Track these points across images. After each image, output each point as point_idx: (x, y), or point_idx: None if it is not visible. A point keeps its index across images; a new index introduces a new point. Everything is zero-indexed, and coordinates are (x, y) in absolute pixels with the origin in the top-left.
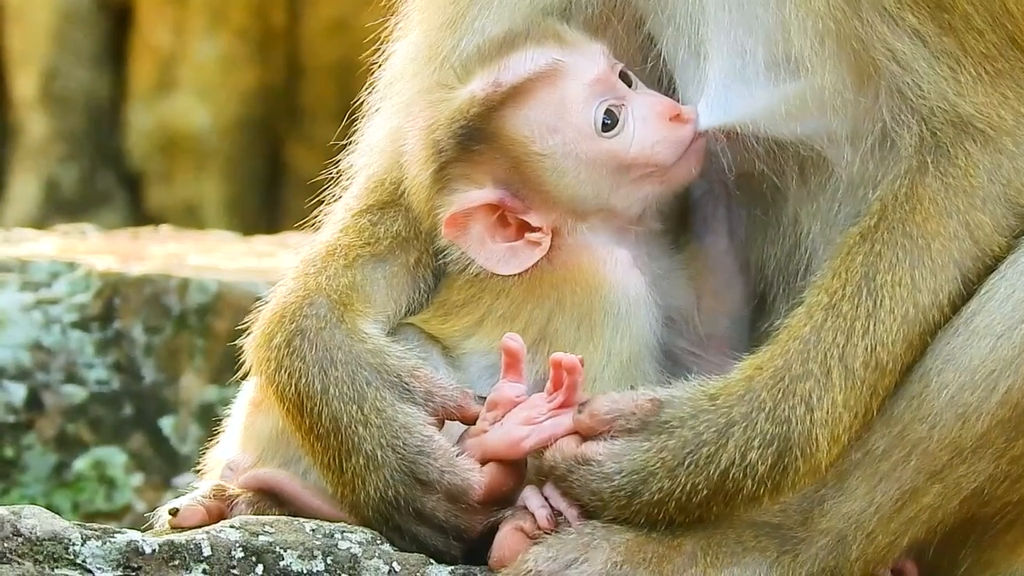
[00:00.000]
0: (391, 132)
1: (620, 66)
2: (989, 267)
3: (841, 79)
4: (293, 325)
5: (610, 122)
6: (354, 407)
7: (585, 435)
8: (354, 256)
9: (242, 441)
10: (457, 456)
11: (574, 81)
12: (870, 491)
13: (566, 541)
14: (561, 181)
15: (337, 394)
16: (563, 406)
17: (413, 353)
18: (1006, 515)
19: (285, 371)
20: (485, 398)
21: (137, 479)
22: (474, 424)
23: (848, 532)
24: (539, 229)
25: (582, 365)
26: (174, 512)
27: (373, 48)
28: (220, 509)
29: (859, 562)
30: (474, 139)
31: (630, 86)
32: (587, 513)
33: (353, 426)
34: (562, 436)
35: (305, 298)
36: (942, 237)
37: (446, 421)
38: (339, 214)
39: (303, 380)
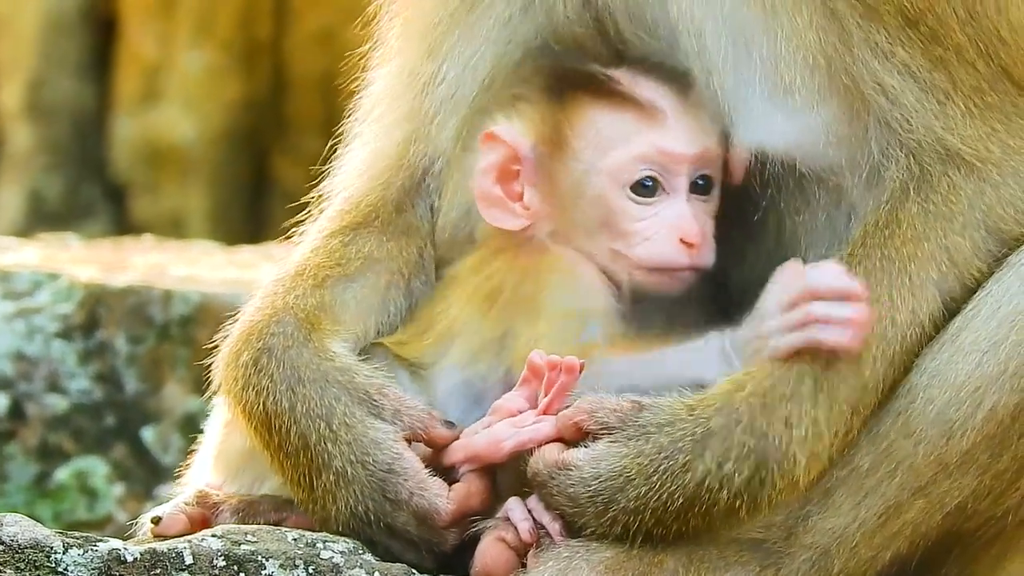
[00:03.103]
0: (370, 155)
1: (703, 172)
2: (971, 288)
3: (832, 113)
4: (260, 343)
5: (642, 189)
6: (323, 424)
7: (568, 438)
8: (323, 276)
9: (213, 461)
10: (427, 476)
11: (654, 136)
12: (855, 507)
13: (546, 565)
14: (564, 185)
15: (305, 411)
16: (548, 410)
17: (382, 372)
18: (989, 529)
19: (252, 389)
20: (452, 423)
21: (119, 489)
22: (439, 448)
23: (831, 547)
24: (526, 210)
25: (581, 371)
26: (156, 520)
27: (358, 62)
28: (203, 516)
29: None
30: (557, 94)
31: (701, 193)
32: (569, 526)
33: (322, 443)
34: (543, 441)
35: (272, 317)
36: (919, 259)
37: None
38: (311, 235)
39: (271, 398)
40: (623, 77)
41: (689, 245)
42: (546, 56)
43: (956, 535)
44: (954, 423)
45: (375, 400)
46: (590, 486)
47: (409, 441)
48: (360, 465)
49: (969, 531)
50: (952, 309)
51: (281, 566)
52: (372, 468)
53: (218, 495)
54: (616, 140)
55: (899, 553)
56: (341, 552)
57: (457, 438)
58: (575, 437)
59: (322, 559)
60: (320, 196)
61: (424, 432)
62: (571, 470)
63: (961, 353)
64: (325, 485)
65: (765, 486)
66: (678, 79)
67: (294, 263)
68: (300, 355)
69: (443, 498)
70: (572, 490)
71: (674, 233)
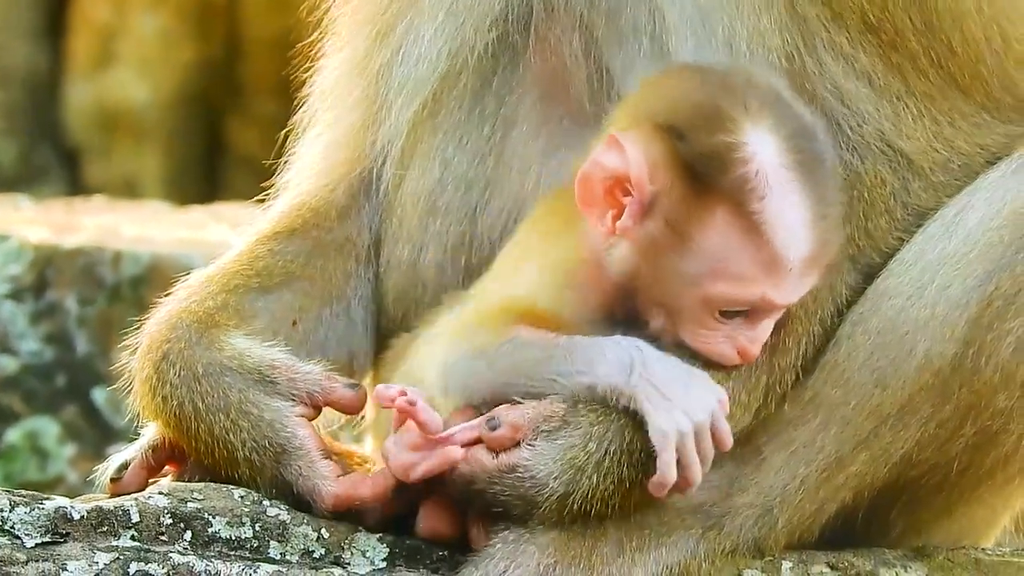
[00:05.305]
0: (323, 147)
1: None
2: (889, 255)
3: None
4: (159, 353)
5: (729, 313)
6: (222, 416)
7: (496, 448)
8: (235, 284)
9: None
10: (318, 457)
11: (768, 287)
12: (788, 460)
13: (491, 555)
14: (658, 259)
15: (205, 407)
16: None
17: (277, 348)
18: (934, 477)
19: (160, 398)
20: (356, 384)
21: (70, 450)
22: (344, 411)
23: (774, 504)
24: (612, 229)
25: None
26: (115, 479)
27: (313, 24)
28: (168, 459)
29: (785, 530)
30: (701, 180)
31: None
32: (508, 516)
33: (226, 435)
34: (460, 458)
35: (168, 323)
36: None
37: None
38: (246, 235)
39: (175, 403)
40: (772, 191)
41: (742, 355)
42: (712, 86)
43: (902, 485)
44: (886, 371)
45: (268, 376)
46: (547, 486)
47: (317, 409)
48: (262, 451)
49: (914, 480)
50: (872, 274)
51: (228, 523)
52: (271, 452)
53: None
54: (734, 278)
55: (844, 505)
56: (288, 509)
57: (362, 398)
58: (510, 444)
59: (269, 516)
60: (273, 186)
61: (323, 396)
62: (518, 471)
63: (884, 299)
64: (244, 475)
65: None
66: (823, 171)
67: (208, 269)
68: (193, 353)
69: (328, 480)
70: (524, 491)
71: (735, 345)
